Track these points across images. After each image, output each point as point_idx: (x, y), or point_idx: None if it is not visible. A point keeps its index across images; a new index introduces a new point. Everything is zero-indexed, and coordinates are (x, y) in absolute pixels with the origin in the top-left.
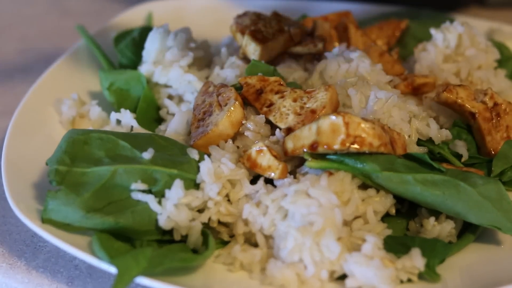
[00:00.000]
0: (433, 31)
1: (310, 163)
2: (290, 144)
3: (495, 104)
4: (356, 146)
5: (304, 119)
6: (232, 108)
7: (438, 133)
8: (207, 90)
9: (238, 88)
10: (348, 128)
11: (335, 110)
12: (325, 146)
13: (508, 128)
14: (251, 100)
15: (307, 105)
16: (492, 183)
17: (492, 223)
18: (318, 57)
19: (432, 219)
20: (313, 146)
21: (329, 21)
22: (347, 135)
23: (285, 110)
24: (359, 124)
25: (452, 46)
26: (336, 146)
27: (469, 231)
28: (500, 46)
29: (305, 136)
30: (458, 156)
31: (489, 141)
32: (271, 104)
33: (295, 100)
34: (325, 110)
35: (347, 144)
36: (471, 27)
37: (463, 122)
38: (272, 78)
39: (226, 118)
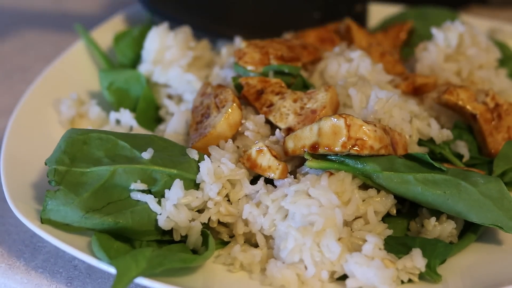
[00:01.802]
0: (434, 30)
1: (310, 163)
2: (290, 144)
3: (496, 105)
4: (356, 148)
5: (304, 119)
6: (229, 110)
7: (439, 133)
8: (205, 92)
9: (239, 87)
10: (350, 131)
11: (336, 111)
12: (326, 148)
13: (509, 129)
14: (251, 100)
15: (307, 106)
16: (494, 182)
17: (493, 222)
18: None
19: (433, 219)
20: (314, 147)
21: (328, 28)
22: (348, 137)
23: (285, 110)
24: (360, 127)
25: (453, 45)
26: (337, 148)
27: (470, 231)
28: (501, 46)
29: (306, 136)
30: (459, 157)
31: (490, 142)
32: (271, 105)
33: (295, 101)
34: (325, 110)
35: (348, 147)
36: (472, 27)
37: (464, 122)
38: (274, 80)
39: (224, 120)
